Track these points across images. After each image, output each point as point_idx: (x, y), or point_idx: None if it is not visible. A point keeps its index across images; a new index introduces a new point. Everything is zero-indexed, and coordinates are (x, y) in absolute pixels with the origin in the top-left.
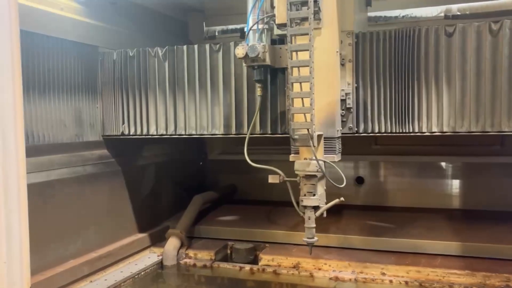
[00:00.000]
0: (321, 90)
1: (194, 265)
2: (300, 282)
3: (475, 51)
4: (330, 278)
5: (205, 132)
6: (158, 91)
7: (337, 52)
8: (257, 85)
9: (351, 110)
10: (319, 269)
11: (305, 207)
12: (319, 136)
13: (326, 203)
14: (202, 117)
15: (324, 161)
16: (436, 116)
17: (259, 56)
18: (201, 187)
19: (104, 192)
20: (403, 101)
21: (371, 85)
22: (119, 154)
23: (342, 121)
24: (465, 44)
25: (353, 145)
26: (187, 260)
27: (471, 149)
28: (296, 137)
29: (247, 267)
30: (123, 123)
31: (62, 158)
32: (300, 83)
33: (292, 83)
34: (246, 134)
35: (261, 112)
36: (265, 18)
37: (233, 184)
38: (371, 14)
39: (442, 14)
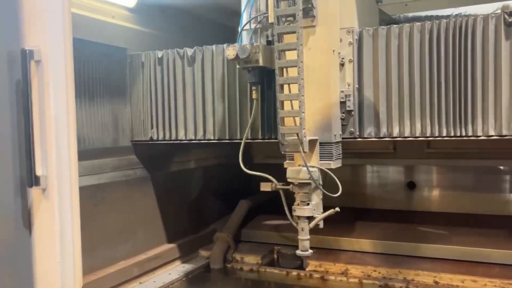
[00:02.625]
0: (316, 92)
1: (241, 268)
2: None
3: None
4: (380, 286)
5: (237, 137)
6: (187, 93)
7: (333, 51)
8: (252, 87)
9: (352, 113)
10: (369, 276)
11: (298, 217)
12: (314, 141)
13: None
14: (231, 121)
15: (319, 168)
16: (493, 118)
17: (250, 57)
18: (247, 191)
19: (152, 195)
20: (453, 101)
21: (387, 84)
22: (167, 158)
23: (343, 125)
24: None
25: (404, 149)
26: (234, 264)
27: None
28: (285, 142)
29: (294, 272)
30: (152, 127)
31: (112, 162)
32: (289, 84)
33: (280, 85)
34: (240, 140)
35: (257, 117)
36: (258, 17)
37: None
38: (422, 13)
39: (499, 11)
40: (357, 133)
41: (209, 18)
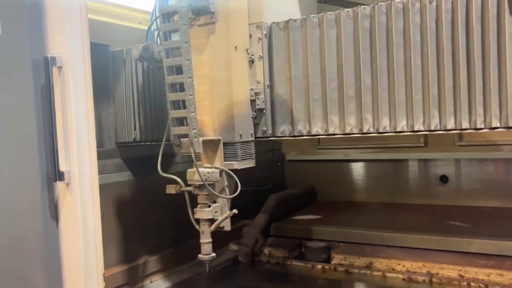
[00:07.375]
0: (222, 91)
1: (268, 262)
2: (372, 282)
3: None
4: (403, 279)
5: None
6: (165, 90)
7: (236, 47)
8: None
9: (264, 111)
10: (393, 269)
11: (199, 220)
12: (217, 141)
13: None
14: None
15: (222, 169)
16: (497, 107)
17: (155, 56)
18: (281, 188)
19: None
20: (429, 91)
21: (304, 79)
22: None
23: (255, 124)
24: None
25: (436, 142)
26: (262, 257)
27: None
28: (178, 143)
29: (319, 265)
30: (135, 128)
31: None
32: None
33: (169, 84)
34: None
35: None
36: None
37: (311, 184)
38: None
39: None
40: (270, 132)
41: None
